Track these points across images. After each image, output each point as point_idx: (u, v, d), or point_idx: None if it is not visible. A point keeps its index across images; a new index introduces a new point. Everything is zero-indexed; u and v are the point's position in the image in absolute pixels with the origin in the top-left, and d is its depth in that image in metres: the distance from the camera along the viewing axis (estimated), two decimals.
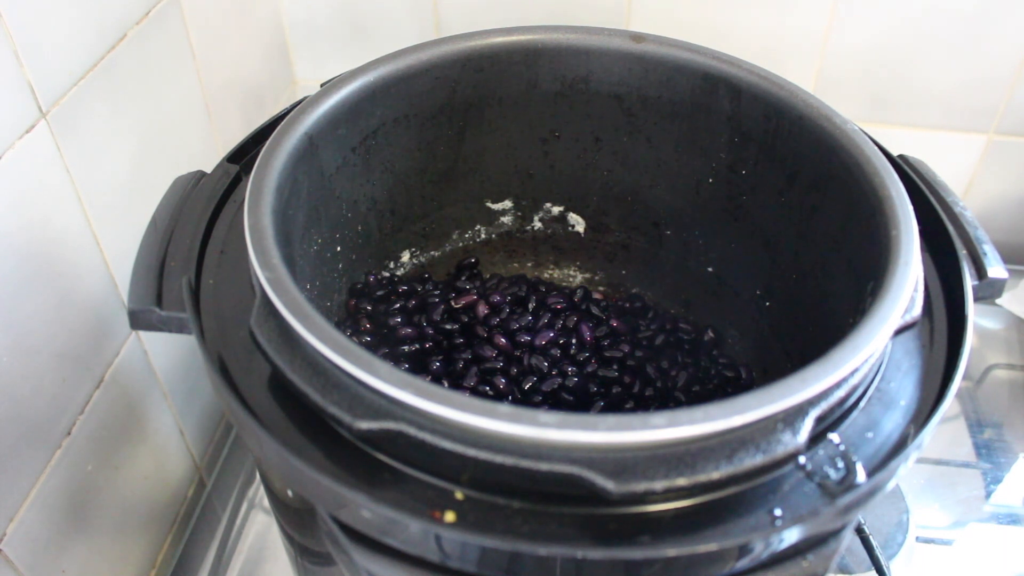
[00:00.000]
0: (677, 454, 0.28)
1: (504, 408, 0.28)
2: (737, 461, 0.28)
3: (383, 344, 0.49)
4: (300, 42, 0.76)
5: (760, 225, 0.49)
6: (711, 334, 0.52)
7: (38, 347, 0.44)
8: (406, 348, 0.49)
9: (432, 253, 0.55)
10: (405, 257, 0.54)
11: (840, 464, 0.31)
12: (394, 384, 0.29)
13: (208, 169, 0.44)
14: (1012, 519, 0.60)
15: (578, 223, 0.57)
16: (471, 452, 0.29)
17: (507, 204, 0.56)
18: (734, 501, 0.30)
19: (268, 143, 0.40)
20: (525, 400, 0.46)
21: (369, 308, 0.50)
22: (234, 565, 0.58)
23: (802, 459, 0.31)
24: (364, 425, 0.30)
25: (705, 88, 0.47)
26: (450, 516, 0.29)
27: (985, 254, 0.40)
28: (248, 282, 0.37)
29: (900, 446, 0.33)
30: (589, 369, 0.48)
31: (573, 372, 0.48)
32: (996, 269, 0.40)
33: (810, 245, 0.46)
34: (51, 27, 0.43)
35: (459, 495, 0.30)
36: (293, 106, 0.43)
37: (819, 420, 0.30)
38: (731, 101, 0.46)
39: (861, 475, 0.30)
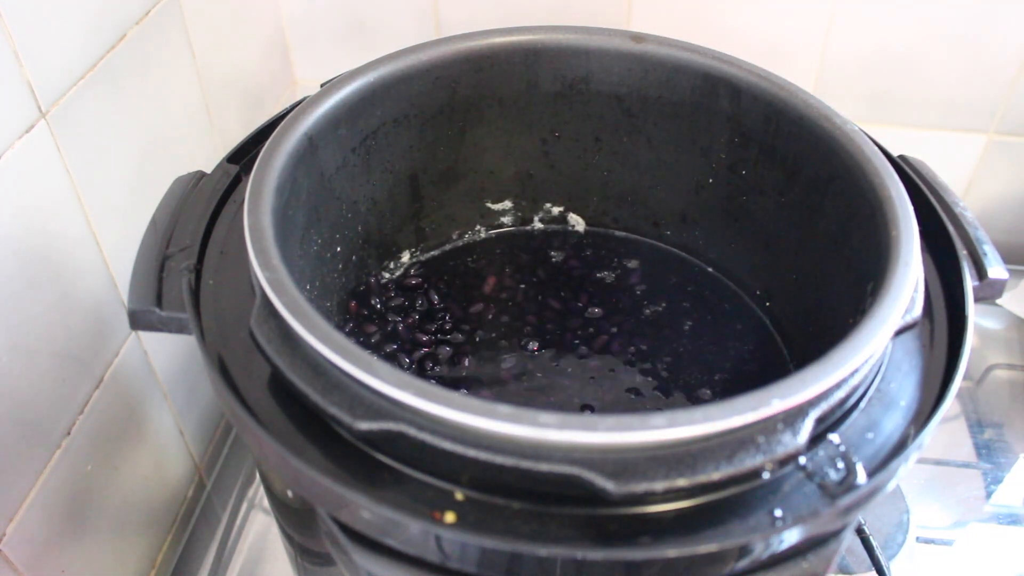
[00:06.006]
0: (677, 455, 0.28)
1: (504, 408, 0.28)
2: (737, 461, 0.28)
3: (384, 345, 0.49)
4: (300, 42, 0.76)
5: (760, 225, 0.49)
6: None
7: (38, 347, 0.44)
8: (408, 348, 0.49)
9: (432, 253, 0.55)
10: (405, 257, 0.54)
11: (840, 465, 0.31)
12: (394, 385, 0.29)
13: (208, 169, 0.44)
14: (1012, 519, 0.60)
15: (578, 223, 0.57)
16: (471, 452, 0.29)
17: (507, 204, 0.56)
18: (734, 502, 0.30)
19: (268, 143, 0.40)
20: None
21: (369, 309, 0.50)
22: (234, 565, 0.58)
23: (802, 460, 0.31)
24: (364, 426, 0.30)
25: (705, 88, 0.47)
26: (450, 517, 0.29)
27: (985, 254, 0.40)
28: (248, 282, 0.37)
29: (900, 446, 0.33)
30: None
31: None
32: (996, 269, 0.40)
33: (810, 245, 0.46)
34: (51, 27, 0.43)
35: (459, 496, 0.30)
36: (293, 106, 0.43)
37: (819, 421, 0.30)
38: (731, 101, 0.46)
39: (861, 476, 0.30)
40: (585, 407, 0.46)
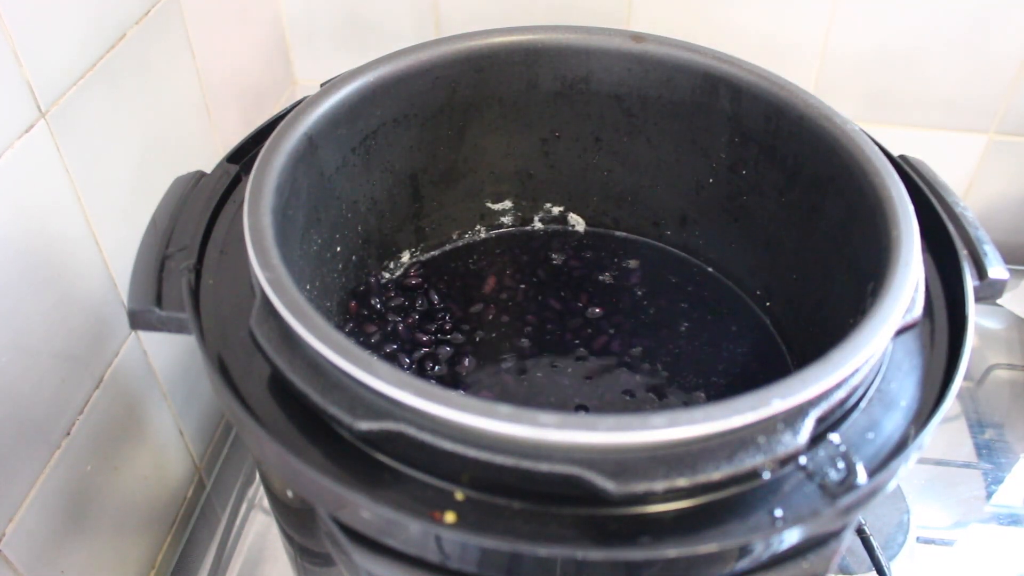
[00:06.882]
0: (677, 455, 0.28)
1: (504, 408, 0.28)
2: (737, 461, 0.28)
3: (384, 345, 0.49)
4: (300, 42, 0.76)
5: (760, 225, 0.49)
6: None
7: (38, 347, 0.44)
8: (409, 348, 0.49)
9: (432, 253, 0.55)
10: (405, 257, 0.54)
11: (841, 465, 0.31)
12: (394, 384, 0.29)
13: (208, 169, 0.44)
14: (1013, 520, 0.60)
15: (578, 223, 0.57)
16: (471, 452, 0.29)
17: (507, 204, 0.56)
18: (734, 502, 0.30)
19: (268, 143, 0.40)
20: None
21: (369, 309, 0.50)
22: (234, 565, 0.58)
23: (803, 460, 0.31)
24: (364, 426, 0.30)
25: (705, 88, 0.47)
26: (450, 517, 0.29)
27: (986, 254, 0.40)
28: (248, 282, 0.37)
29: (901, 446, 0.33)
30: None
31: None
32: (997, 269, 0.40)
33: (810, 245, 0.46)
34: (50, 26, 0.43)
35: (459, 495, 0.30)
36: (293, 106, 0.43)
37: (820, 421, 0.30)
38: (731, 101, 0.46)
39: (862, 476, 0.30)
40: (580, 407, 0.46)
